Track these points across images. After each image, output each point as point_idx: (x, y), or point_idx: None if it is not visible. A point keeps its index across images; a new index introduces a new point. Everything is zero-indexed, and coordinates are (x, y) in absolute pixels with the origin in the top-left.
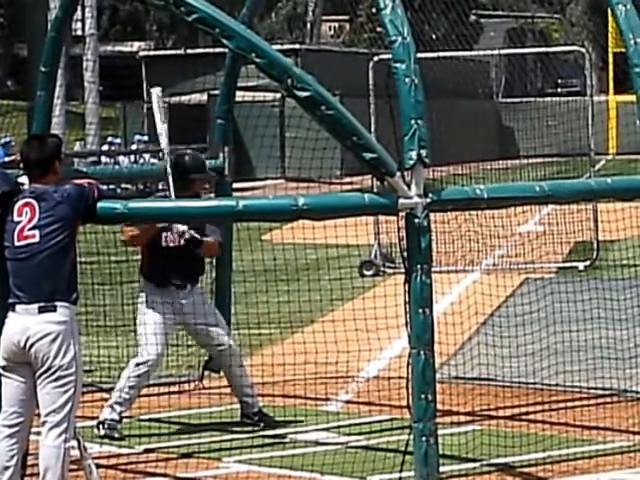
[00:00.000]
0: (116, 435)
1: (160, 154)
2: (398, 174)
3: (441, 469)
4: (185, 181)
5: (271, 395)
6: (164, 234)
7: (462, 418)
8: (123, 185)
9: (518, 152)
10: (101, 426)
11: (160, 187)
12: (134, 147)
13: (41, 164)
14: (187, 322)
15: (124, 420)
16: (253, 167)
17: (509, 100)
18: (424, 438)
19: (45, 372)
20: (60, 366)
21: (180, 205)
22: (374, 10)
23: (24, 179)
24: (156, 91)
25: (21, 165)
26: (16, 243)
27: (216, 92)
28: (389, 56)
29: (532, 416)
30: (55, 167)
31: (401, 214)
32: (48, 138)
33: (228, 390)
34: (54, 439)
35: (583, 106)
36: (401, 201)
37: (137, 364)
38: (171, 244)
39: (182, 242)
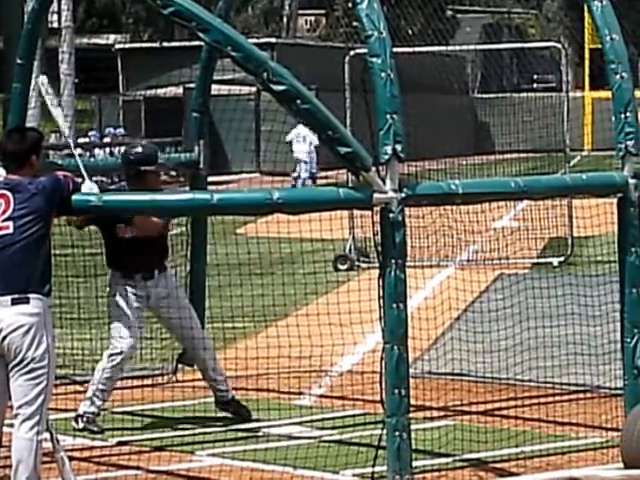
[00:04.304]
0: (95, 428)
1: (63, 137)
2: (373, 169)
3: (414, 464)
4: (136, 173)
5: (244, 389)
6: (117, 225)
7: (435, 413)
8: (97, 178)
9: (494, 148)
10: (79, 419)
11: (116, 179)
12: (107, 140)
13: (18, 157)
14: (155, 310)
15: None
16: (228, 161)
17: (485, 95)
18: (397, 433)
19: (18, 364)
20: (33, 358)
21: (154, 198)
22: (350, 4)
23: (0, 171)
24: (41, 80)
25: None
26: None
27: (192, 85)
28: (365, 50)
29: (505, 411)
30: (31, 161)
31: (376, 209)
32: (28, 132)
33: (202, 383)
34: (26, 431)
35: (559, 102)
36: (376, 196)
37: (110, 355)
38: (126, 235)
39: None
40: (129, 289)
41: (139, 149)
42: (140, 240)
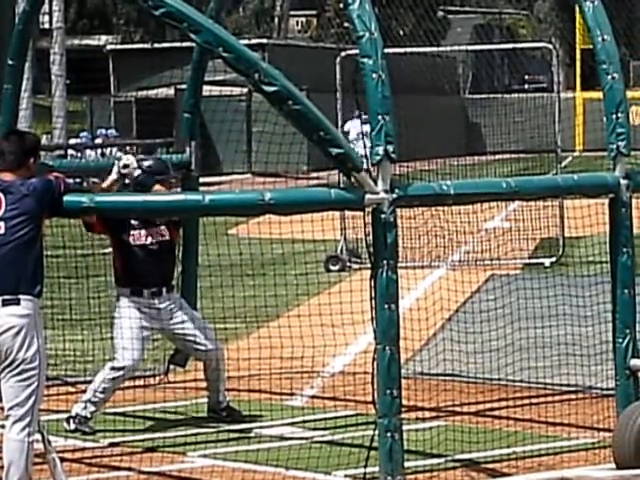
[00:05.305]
0: (86, 429)
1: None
2: (365, 169)
3: (406, 465)
4: (152, 184)
5: (236, 389)
6: (132, 232)
7: (427, 414)
8: (90, 179)
9: (485, 148)
10: (71, 420)
11: (126, 182)
12: (98, 141)
13: (16, 157)
14: (165, 328)
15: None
16: (220, 161)
17: (476, 96)
18: (389, 434)
19: (8, 366)
20: (23, 359)
21: (146, 199)
22: (342, 5)
23: None
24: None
25: None
26: None
27: (183, 86)
28: (356, 51)
29: (497, 412)
30: (29, 163)
31: (367, 209)
32: (27, 135)
33: (193, 385)
34: (17, 432)
35: (550, 102)
36: (367, 196)
37: (112, 368)
38: (138, 242)
39: (149, 241)
40: (138, 307)
41: (151, 161)
42: (153, 249)
